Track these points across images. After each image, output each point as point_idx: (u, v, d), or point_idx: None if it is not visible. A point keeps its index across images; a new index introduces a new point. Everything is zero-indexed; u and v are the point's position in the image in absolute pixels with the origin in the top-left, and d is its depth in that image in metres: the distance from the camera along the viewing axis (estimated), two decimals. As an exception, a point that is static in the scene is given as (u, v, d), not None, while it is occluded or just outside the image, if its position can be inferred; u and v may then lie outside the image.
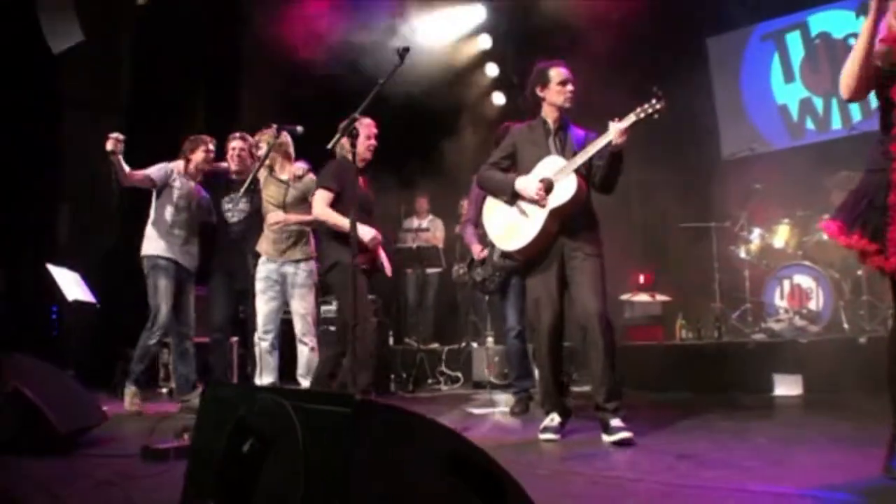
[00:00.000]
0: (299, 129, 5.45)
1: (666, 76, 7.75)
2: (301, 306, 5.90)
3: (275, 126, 5.45)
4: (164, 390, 7.75)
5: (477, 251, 6.31)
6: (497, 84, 11.68)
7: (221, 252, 6.41)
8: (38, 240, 8.32)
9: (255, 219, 6.25)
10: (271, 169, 5.99)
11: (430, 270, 9.91)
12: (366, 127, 5.47)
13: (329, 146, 4.36)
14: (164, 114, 8.72)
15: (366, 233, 5.12)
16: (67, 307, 6.97)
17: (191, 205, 6.37)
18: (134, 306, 6.37)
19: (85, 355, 6.40)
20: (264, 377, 5.90)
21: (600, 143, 4.44)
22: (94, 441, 4.50)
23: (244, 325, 6.41)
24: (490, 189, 4.88)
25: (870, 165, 3.26)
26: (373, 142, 5.51)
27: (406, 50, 4.33)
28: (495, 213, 4.83)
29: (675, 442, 4.33)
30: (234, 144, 6.36)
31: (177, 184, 6.34)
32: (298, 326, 5.89)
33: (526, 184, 4.61)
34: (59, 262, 7.18)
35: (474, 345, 9.10)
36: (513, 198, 4.68)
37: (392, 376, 8.06)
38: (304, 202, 5.83)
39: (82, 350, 6.52)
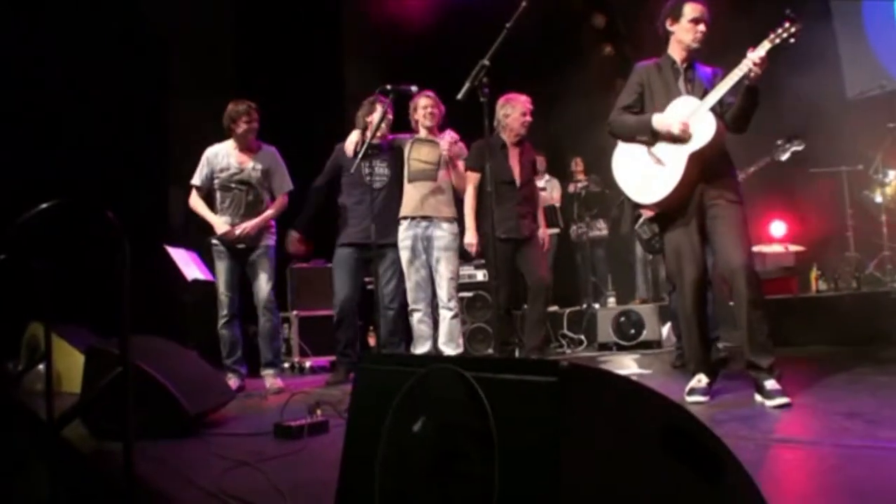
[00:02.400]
0: (413, 88, 5.27)
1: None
2: (448, 270, 5.84)
3: (389, 87, 5.24)
4: (287, 365, 7.73)
5: (646, 210, 5.92)
6: (606, 35, 11.26)
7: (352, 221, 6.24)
8: (153, 223, 8.38)
9: (395, 185, 6.15)
10: (428, 131, 6.03)
11: (548, 231, 9.75)
12: (521, 103, 5.86)
13: (459, 96, 4.13)
14: (271, 92, 8.67)
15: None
16: (186, 286, 6.98)
17: (240, 181, 6.12)
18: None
19: (207, 334, 6.33)
20: (418, 348, 5.85)
21: (735, 75, 4.07)
22: (224, 421, 4.43)
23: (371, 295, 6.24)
24: (624, 133, 4.50)
25: None
26: (528, 118, 5.88)
27: None
28: (628, 164, 4.48)
29: (836, 400, 3.97)
30: (425, 103, 6.04)
31: (220, 167, 6.16)
32: (444, 289, 5.82)
33: (665, 119, 4.26)
34: (175, 244, 7.20)
35: (596, 306, 8.85)
36: (652, 138, 4.33)
37: (516, 340, 7.89)
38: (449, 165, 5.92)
39: (205, 329, 6.45)
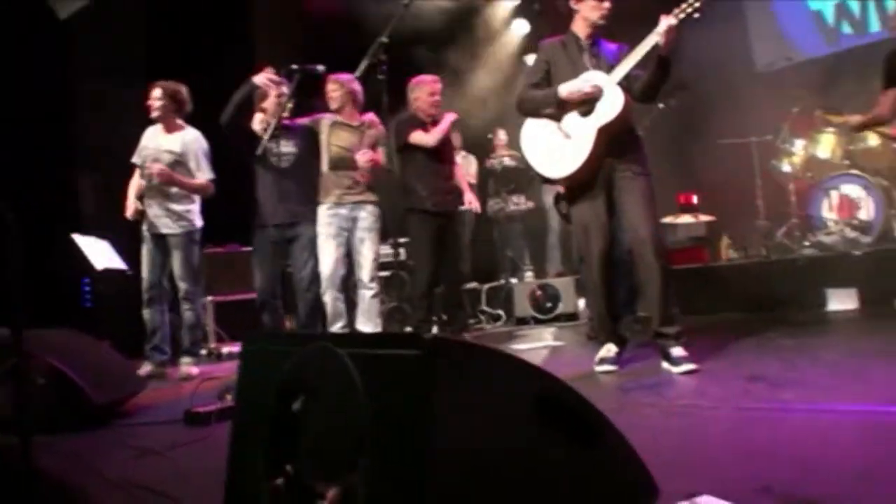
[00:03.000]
0: (320, 68, 5.20)
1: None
2: (371, 251, 5.88)
3: (295, 66, 5.17)
4: (203, 352, 7.64)
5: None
6: (519, 11, 11.27)
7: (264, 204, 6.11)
8: (63, 212, 8.19)
9: (306, 163, 5.99)
10: (338, 113, 5.91)
11: (463, 208, 9.78)
12: (428, 84, 6.08)
13: (357, 73, 4.15)
14: (183, 70, 8.53)
15: None
16: (98, 277, 6.86)
17: (154, 161, 6.06)
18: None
19: (121, 323, 6.24)
20: (334, 326, 5.83)
21: (642, 49, 4.15)
22: (136, 410, 4.37)
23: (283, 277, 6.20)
24: (533, 107, 4.53)
25: None
26: (436, 97, 6.07)
27: None
28: (536, 140, 4.53)
29: (740, 364, 4.09)
30: (332, 87, 5.89)
31: (143, 145, 6.16)
32: (365, 268, 5.86)
33: (572, 84, 4.32)
34: (85, 233, 7.05)
35: (514, 281, 8.94)
36: (559, 110, 4.39)
37: (434, 318, 7.91)
38: (373, 150, 5.92)
39: (118, 318, 6.36)
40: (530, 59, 10.82)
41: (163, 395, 5.08)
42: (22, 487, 2.56)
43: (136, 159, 6.18)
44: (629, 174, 4.36)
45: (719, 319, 6.59)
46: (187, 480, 2.48)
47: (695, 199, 8.62)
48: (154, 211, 6.02)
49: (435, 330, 6.43)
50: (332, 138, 5.88)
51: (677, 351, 4.14)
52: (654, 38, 4.08)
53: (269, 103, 5.79)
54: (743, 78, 9.19)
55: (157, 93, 6.05)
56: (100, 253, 6.82)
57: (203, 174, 6.09)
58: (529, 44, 10.66)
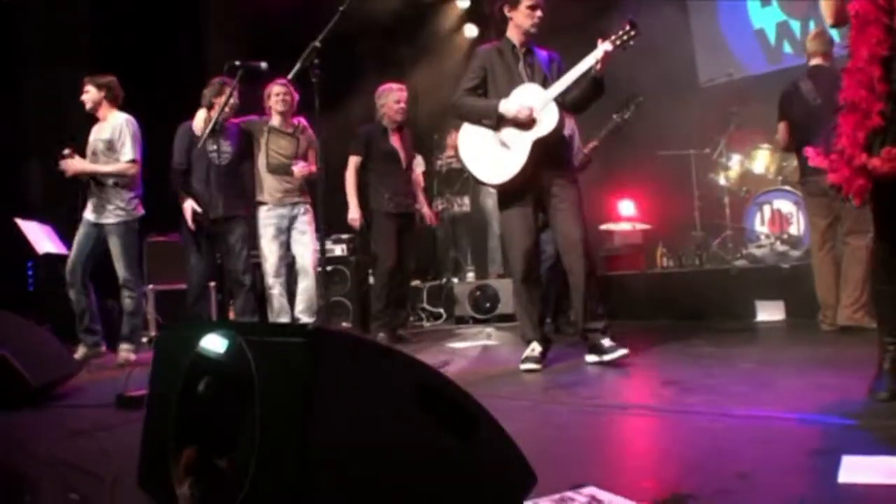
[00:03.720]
0: (263, 65, 5.28)
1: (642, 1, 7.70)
2: (311, 244, 6.17)
3: (238, 63, 5.25)
4: (145, 339, 7.69)
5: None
6: (469, 16, 11.46)
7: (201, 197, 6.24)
8: (9, 196, 8.18)
9: (241, 162, 6.29)
10: (281, 117, 6.26)
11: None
12: (394, 92, 6.54)
13: (289, 76, 4.26)
14: (128, 60, 8.51)
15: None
16: (40, 261, 6.89)
17: (92, 152, 6.16)
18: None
19: (62, 307, 6.26)
20: (281, 319, 6.09)
21: (578, 71, 4.41)
22: (71, 393, 4.45)
23: (221, 270, 6.30)
24: (471, 116, 4.71)
25: None
26: (402, 105, 6.54)
27: None
28: (475, 146, 4.70)
29: (659, 368, 4.31)
30: (278, 90, 6.22)
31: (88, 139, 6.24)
32: (307, 259, 6.17)
33: (511, 106, 4.51)
34: (32, 217, 7.07)
35: (455, 280, 9.11)
36: (497, 122, 4.56)
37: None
38: (304, 156, 6.32)
39: (59, 302, 6.38)
40: (470, 30, 11.09)
41: (98, 379, 5.15)
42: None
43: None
44: (562, 181, 4.59)
45: (651, 325, 6.79)
46: (112, 459, 2.57)
47: (632, 208, 8.82)
48: (94, 200, 6.05)
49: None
50: (271, 144, 6.20)
51: (606, 341, 4.42)
52: (591, 61, 4.35)
53: (219, 103, 5.90)
54: (686, 91, 9.37)
55: (87, 87, 6.11)
56: (43, 237, 6.85)
57: (124, 155, 6.06)
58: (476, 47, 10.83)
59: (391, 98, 6.55)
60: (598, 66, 4.35)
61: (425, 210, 7.12)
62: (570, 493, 1.92)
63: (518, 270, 4.67)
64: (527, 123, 4.49)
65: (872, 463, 2.07)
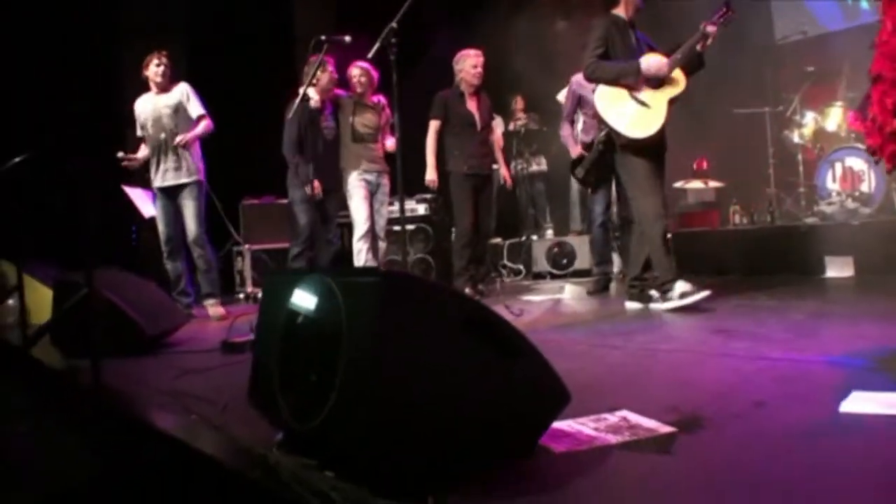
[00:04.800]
0: (347, 38, 5.64)
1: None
2: (386, 211, 6.91)
3: (323, 38, 5.63)
4: (241, 295, 8.26)
5: (576, 151, 6.79)
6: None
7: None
8: (109, 164, 8.76)
9: (338, 138, 6.88)
10: (360, 96, 6.85)
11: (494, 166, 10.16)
12: (472, 57, 6.91)
13: (369, 55, 4.61)
14: (225, 35, 9.00)
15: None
16: (144, 224, 7.44)
17: (154, 122, 6.64)
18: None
19: (162, 266, 6.80)
20: None
21: (689, 45, 5.00)
22: (179, 341, 4.96)
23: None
24: (611, 76, 5.12)
25: None
26: (479, 69, 6.90)
27: None
28: (615, 105, 5.13)
29: (716, 319, 4.58)
30: (356, 73, 6.81)
31: (141, 114, 6.74)
32: (381, 225, 6.85)
33: (652, 63, 5.02)
34: (133, 184, 7.62)
35: (534, 237, 9.43)
36: (636, 81, 5.05)
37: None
38: (382, 129, 6.95)
39: (160, 262, 6.92)
40: (559, 25, 11.20)
41: (202, 329, 5.69)
42: (91, 399, 3.14)
43: (140, 132, 6.75)
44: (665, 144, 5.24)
45: (722, 281, 6.97)
46: (223, 391, 3.02)
47: (706, 166, 8.97)
48: (165, 166, 6.55)
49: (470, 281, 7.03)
50: (358, 116, 6.75)
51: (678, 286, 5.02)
52: (697, 40, 4.96)
53: (324, 80, 6.43)
54: (761, 49, 9.44)
55: (164, 60, 6.60)
56: (147, 202, 7.39)
57: (195, 112, 6.59)
58: (554, 11, 11.03)
59: (468, 63, 6.90)
60: (701, 45, 4.95)
61: (503, 171, 7.44)
62: (605, 415, 2.28)
63: (660, 214, 5.11)
64: (661, 83, 5.03)
65: (877, 397, 2.33)
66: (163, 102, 6.57)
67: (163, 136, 6.53)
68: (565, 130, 7.10)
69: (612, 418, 2.24)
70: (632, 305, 5.39)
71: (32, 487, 2.92)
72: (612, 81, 5.11)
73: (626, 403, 2.40)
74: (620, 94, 5.10)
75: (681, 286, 5.00)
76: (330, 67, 6.57)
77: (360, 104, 6.80)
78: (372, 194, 6.80)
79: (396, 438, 1.62)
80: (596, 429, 2.12)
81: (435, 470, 1.69)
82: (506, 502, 1.63)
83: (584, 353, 3.70)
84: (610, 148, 5.62)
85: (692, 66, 5.10)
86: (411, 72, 5.96)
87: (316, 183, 6.64)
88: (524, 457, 1.91)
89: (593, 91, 5.26)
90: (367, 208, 6.68)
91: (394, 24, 4.49)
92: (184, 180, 6.51)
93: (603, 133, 6.11)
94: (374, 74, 6.79)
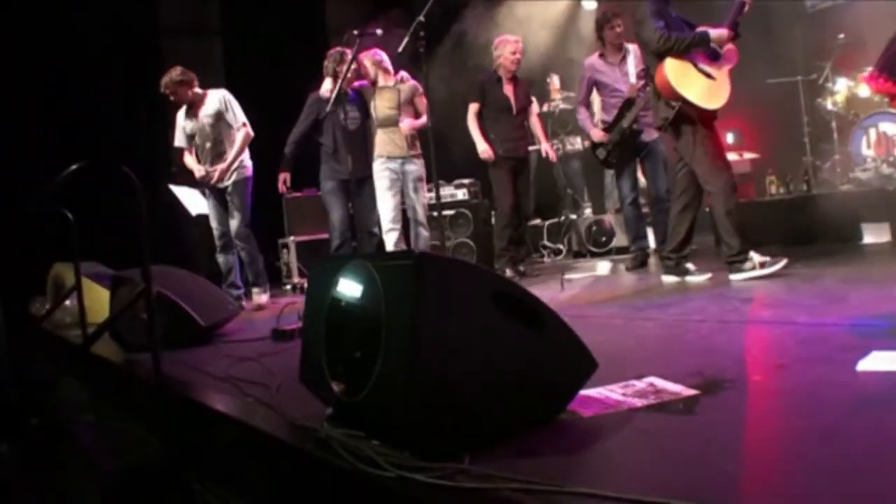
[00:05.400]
0: (379, 31, 5.81)
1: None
2: (422, 196, 6.89)
3: (356, 32, 5.80)
4: (288, 287, 8.51)
5: (597, 135, 6.90)
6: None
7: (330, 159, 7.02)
8: (154, 158, 9.03)
9: (365, 127, 6.99)
10: (374, 83, 6.95)
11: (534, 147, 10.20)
12: (511, 44, 7.08)
13: (399, 49, 4.78)
14: (257, 32, 9.19)
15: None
16: (192, 222, 7.69)
17: (200, 132, 6.95)
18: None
19: (212, 261, 7.08)
20: None
21: (733, 14, 5.18)
22: (232, 331, 5.19)
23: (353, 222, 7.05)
24: (682, 46, 5.17)
25: None
26: (517, 56, 7.09)
27: None
28: (685, 78, 5.19)
29: (748, 288, 4.69)
30: (365, 62, 6.94)
31: (184, 127, 7.04)
32: (418, 212, 6.84)
33: (721, 33, 5.17)
34: (178, 184, 7.88)
35: (573, 217, 9.51)
36: (708, 46, 5.19)
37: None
38: (409, 103, 6.88)
39: (210, 257, 7.19)
40: (589, 4, 11.26)
41: (253, 319, 5.94)
42: (154, 391, 3.36)
43: (180, 143, 7.06)
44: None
45: (761, 251, 7.07)
46: (275, 375, 3.21)
47: (741, 138, 9.02)
48: (211, 168, 6.89)
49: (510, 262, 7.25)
50: (377, 101, 6.81)
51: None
52: (737, 10, 5.17)
53: (341, 71, 6.60)
54: (792, 17, 9.42)
55: (165, 92, 6.86)
56: (193, 201, 7.64)
57: (237, 120, 6.91)
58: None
59: (507, 49, 7.07)
60: (739, 16, 5.14)
61: (544, 147, 7.56)
62: (633, 381, 2.43)
63: (729, 179, 5.24)
64: (717, 56, 5.20)
65: (894, 356, 2.45)
66: (202, 112, 6.86)
67: (208, 144, 6.86)
68: (582, 114, 7.18)
69: (640, 384, 2.38)
70: (668, 278, 5.51)
71: (101, 466, 3.15)
72: (685, 51, 5.17)
73: (654, 371, 2.54)
74: (687, 67, 5.18)
75: (758, 257, 5.12)
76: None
77: (379, 87, 6.89)
78: (398, 182, 6.82)
79: (434, 407, 1.79)
80: (624, 394, 2.27)
81: (470, 434, 1.85)
82: (536, 460, 1.78)
83: (619, 326, 3.85)
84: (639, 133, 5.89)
85: (735, 36, 5.23)
86: (442, 56, 6.13)
87: (284, 175, 7.01)
88: (554, 421, 2.06)
89: (657, 65, 5.28)
90: (391, 198, 6.74)
91: (421, 18, 4.66)
92: (228, 181, 6.81)
93: (629, 118, 6.28)
94: (380, 57, 6.88)
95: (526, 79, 7.37)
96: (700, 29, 5.22)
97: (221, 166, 6.78)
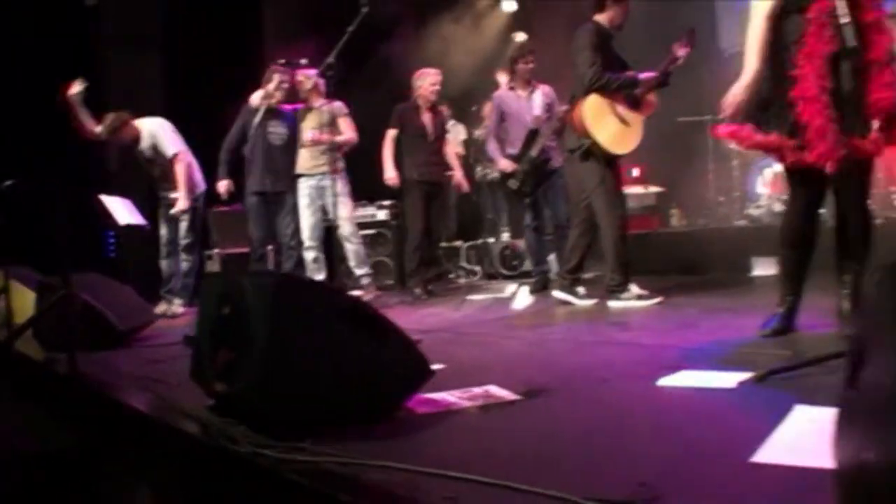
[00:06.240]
0: (303, 61, 6.31)
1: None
2: (346, 211, 7.21)
3: (283, 61, 6.26)
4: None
5: (504, 164, 7.25)
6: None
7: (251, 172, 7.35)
8: (90, 168, 9.28)
9: (291, 144, 7.33)
10: (306, 101, 7.31)
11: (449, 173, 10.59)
12: (431, 76, 7.46)
13: (308, 87, 5.23)
14: (199, 46, 9.48)
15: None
16: (121, 231, 8.01)
17: (146, 160, 7.32)
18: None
19: (140, 273, 7.38)
20: (318, 277, 7.12)
21: (665, 64, 5.50)
22: (149, 336, 5.56)
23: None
24: (613, 86, 5.49)
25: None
26: (436, 87, 7.46)
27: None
28: (600, 121, 5.50)
29: (621, 314, 5.21)
30: (299, 79, 7.26)
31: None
32: (346, 229, 7.21)
33: (649, 78, 5.53)
34: (111, 192, 8.17)
35: (491, 240, 9.92)
36: (634, 90, 5.51)
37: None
38: (332, 124, 7.14)
39: (138, 268, 7.50)
40: (518, 36, 11.75)
41: (171, 326, 6.30)
42: (69, 386, 3.74)
43: None
44: None
45: (660, 280, 7.50)
46: (179, 374, 3.60)
47: (647, 172, 9.53)
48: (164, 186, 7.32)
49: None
50: (304, 122, 7.22)
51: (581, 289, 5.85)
52: (670, 61, 5.46)
53: (269, 87, 7.01)
54: (707, 59, 9.92)
55: (102, 137, 7.16)
56: (123, 210, 7.95)
57: (169, 152, 7.17)
58: (515, 22, 11.64)
59: (428, 81, 7.46)
60: (671, 67, 5.47)
61: (456, 177, 8.01)
62: (473, 388, 2.88)
63: (621, 216, 5.67)
64: (638, 103, 5.55)
65: (695, 375, 2.92)
66: (142, 146, 7.18)
67: (157, 172, 7.29)
68: (491, 145, 7.48)
69: (477, 390, 2.84)
70: (559, 295, 5.92)
71: (15, 454, 3.52)
72: (612, 91, 5.48)
73: (497, 380, 2.98)
74: (605, 109, 5.48)
75: (636, 289, 5.58)
76: (282, 76, 7.10)
77: (307, 109, 7.27)
78: (318, 200, 7.16)
79: (284, 398, 2.24)
80: (459, 398, 2.72)
81: (315, 422, 2.30)
82: (365, 444, 2.21)
83: (487, 343, 4.34)
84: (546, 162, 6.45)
85: (663, 84, 5.60)
86: (364, 82, 6.61)
87: (225, 183, 7.30)
88: (393, 415, 2.52)
89: (578, 102, 5.56)
90: (310, 216, 7.14)
91: (331, 60, 5.12)
92: (174, 195, 7.21)
93: (536, 147, 6.75)
94: (316, 80, 7.12)
95: (445, 109, 7.81)
96: (631, 74, 5.55)
97: (180, 205, 7.10)
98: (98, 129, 7.03)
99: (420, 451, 2.18)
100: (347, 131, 7.18)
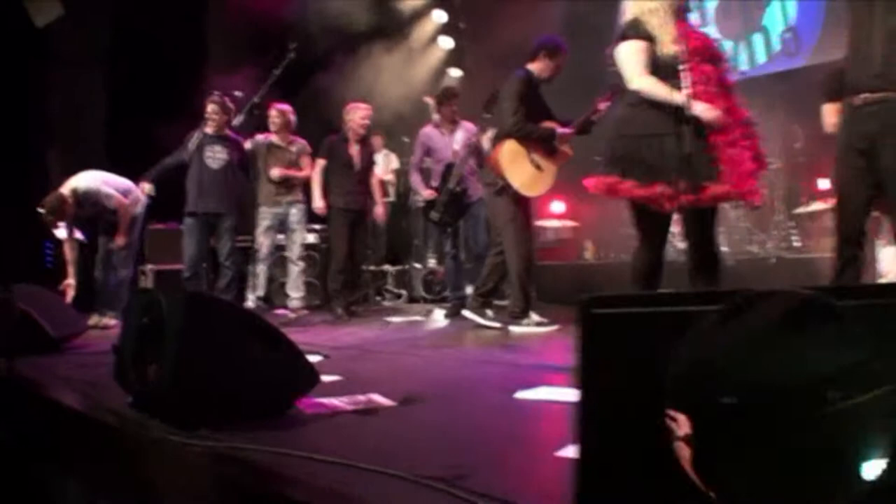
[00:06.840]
0: (237, 93, 6.83)
1: (582, 21, 8.83)
2: (300, 237, 7.95)
3: (215, 93, 6.76)
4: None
5: (428, 194, 7.76)
6: (444, 29, 12.67)
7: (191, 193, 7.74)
8: (32, 183, 9.55)
9: (232, 168, 7.82)
10: (276, 135, 7.92)
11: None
12: (361, 110, 8.06)
13: (234, 123, 5.76)
14: (142, 69, 9.82)
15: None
16: (59, 242, 8.33)
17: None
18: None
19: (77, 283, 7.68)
20: (258, 292, 7.89)
21: (587, 115, 6.01)
22: (81, 345, 5.95)
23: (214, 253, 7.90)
24: (532, 135, 6.01)
25: (641, 130, 4.24)
26: (366, 121, 8.06)
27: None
28: (516, 165, 6.02)
29: (519, 338, 5.79)
30: (273, 114, 7.81)
31: None
32: (295, 253, 7.88)
33: (564, 132, 6.04)
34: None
35: (417, 265, 10.46)
36: (551, 141, 6.03)
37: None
38: (296, 163, 7.95)
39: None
40: (454, 72, 12.32)
41: (104, 335, 6.67)
42: (6, 387, 4.16)
43: None
44: None
45: (562, 309, 7.90)
46: (105, 376, 4.04)
47: (563, 207, 10.13)
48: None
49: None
50: (270, 159, 7.85)
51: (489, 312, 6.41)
52: (591, 112, 5.94)
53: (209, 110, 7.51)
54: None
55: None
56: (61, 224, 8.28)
57: (110, 206, 7.53)
58: (450, 56, 12.23)
59: (358, 115, 8.06)
60: (594, 118, 5.97)
61: (376, 209, 8.51)
62: (358, 395, 3.38)
63: (528, 251, 6.19)
64: (554, 151, 6.08)
65: (551, 390, 3.39)
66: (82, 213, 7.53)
67: (109, 217, 7.60)
68: (415, 177, 8.06)
69: (361, 397, 3.33)
70: (468, 315, 6.44)
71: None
72: (529, 138, 5.98)
73: (382, 390, 3.45)
74: (521, 155, 6.00)
75: (536, 317, 6.14)
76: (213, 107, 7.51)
77: (275, 146, 7.88)
78: (276, 225, 7.87)
79: (189, 395, 2.72)
80: (344, 402, 3.22)
81: (215, 416, 2.77)
82: (253, 433, 2.68)
83: (390, 359, 4.86)
84: (464, 193, 7.03)
85: (584, 132, 6.07)
86: (296, 111, 7.15)
87: (146, 185, 7.76)
88: (284, 413, 3.01)
89: (493, 145, 6.22)
90: (268, 240, 7.82)
91: (256, 99, 5.61)
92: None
93: (453, 179, 7.27)
94: (290, 119, 7.89)
95: (378, 140, 8.35)
96: (550, 125, 6.06)
97: (118, 242, 7.55)
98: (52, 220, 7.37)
99: (300, 440, 2.66)
100: (307, 168, 7.97)
